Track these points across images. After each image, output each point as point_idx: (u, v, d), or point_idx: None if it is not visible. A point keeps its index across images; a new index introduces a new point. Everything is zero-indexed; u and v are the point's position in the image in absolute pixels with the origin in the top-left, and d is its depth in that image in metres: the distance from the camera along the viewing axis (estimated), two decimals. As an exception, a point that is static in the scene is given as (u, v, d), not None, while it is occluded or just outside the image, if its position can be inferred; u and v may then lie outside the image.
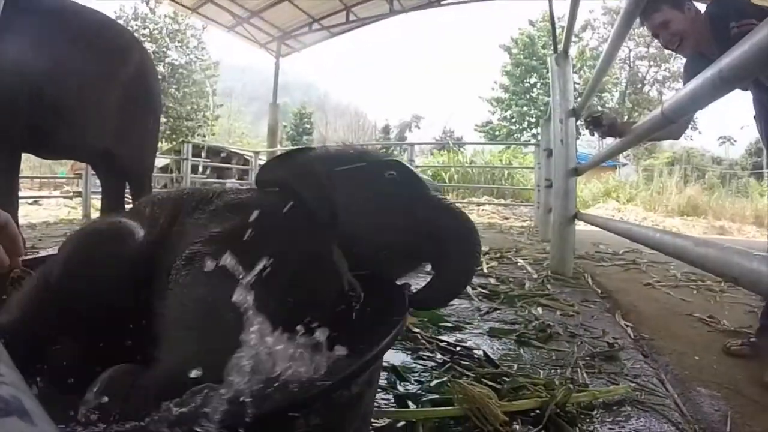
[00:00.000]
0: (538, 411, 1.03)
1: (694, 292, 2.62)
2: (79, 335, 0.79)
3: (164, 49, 20.49)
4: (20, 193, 2.90)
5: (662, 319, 2.00)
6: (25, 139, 2.57)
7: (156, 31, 20.75)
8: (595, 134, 2.33)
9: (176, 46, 21.35)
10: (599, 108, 14.88)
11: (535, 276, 2.70)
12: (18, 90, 2.36)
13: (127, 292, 0.77)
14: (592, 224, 2.68)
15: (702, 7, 1.89)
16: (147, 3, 20.15)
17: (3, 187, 2.44)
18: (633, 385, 1.21)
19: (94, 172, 3.75)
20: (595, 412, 1.07)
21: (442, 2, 8.96)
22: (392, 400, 1.13)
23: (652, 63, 23.90)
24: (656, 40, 2.04)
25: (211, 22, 9.62)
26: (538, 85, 23.40)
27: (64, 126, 2.68)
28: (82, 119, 2.73)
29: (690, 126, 2.66)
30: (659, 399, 1.16)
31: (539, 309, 2.00)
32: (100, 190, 3.68)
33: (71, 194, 7.63)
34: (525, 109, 23.35)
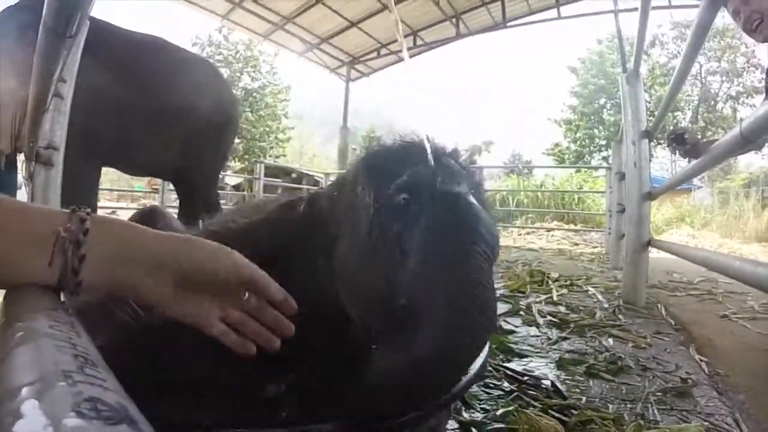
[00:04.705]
0: (606, 447, 1.04)
1: (774, 325, 2.46)
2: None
3: (238, 74, 21.63)
4: (99, 204, 3.21)
5: (739, 354, 1.91)
6: (109, 156, 2.86)
7: (230, 57, 21.99)
8: (676, 153, 2.25)
9: (249, 72, 22.50)
10: (680, 125, 14.07)
11: (606, 305, 2.65)
12: (104, 114, 2.63)
13: None
14: (667, 252, 2.60)
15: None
16: (220, 31, 21.42)
17: (86, 197, 2.70)
18: (706, 424, 1.19)
19: (172, 188, 4.05)
20: (664, 451, 1.05)
21: (509, 24, 8.94)
22: (457, 428, 1.15)
23: (724, 78, 22.25)
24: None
25: (283, 49, 10.07)
26: (608, 105, 22.51)
27: (144, 147, 2.97)
28: (160, 142, 3.01)
29: None
30: (733, 440, 1.13)
31: (610, 340, 1.97)
32: (174, 204, 3.94)
33: (147, 207, 8.10)
34: (595, 131, 22.54)
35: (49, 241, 0.47)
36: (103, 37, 2.56)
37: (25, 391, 0.27)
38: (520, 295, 2.90)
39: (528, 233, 9.39)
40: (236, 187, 11.28)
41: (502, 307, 2.54)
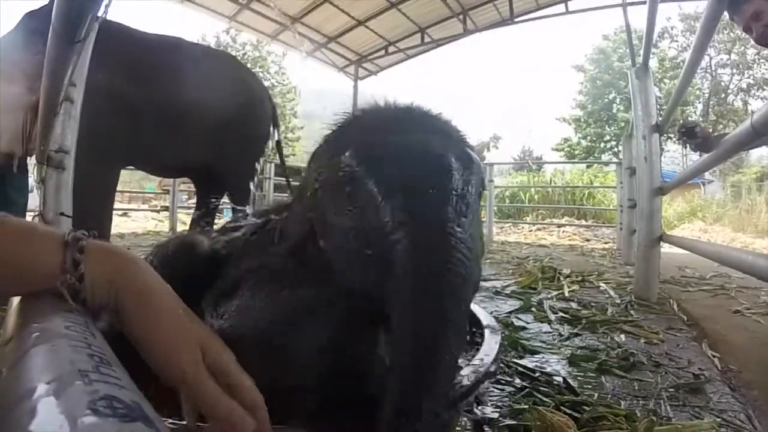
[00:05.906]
0: (618, 443, 1.03)
1: (788, 320, 2.43)
2: None
3: (246, 74, 21.72)
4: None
5: (752, 350, 1.88)
6: (126, 157, 2.87)
7: (238, 58, 22.11)
8: (687, 147, 2.23)
9: (257, 72, 22.61)
10: (691, 119, 13.93)
11: (618, 301, 2.62)
12: (119, 114, 2.63)
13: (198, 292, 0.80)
14: (679, 247, 2.57)
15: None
16: (228, 32, 21.49)
17: (103, 199, 2.71)
18: (719, 420, 1.18)
19: (182, 188, 4.00)
20: (677, 447, 1.04)
21: (516, 20, 8.88)
22: (468, 424, 1.16)
23: (735, 71, 21.83)
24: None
25: (290, 48, 10.07)
26: (618, 100, 22.26)
27: (166, 146, 2.95)
28: (184, 141, 3.00)
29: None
30: (746, 437, 1.11)
31: (622, 336, 1.96)
32: (185, 205, 3.92)
33: (158, 208, 8.21)
34: (605, 129, 22.24)
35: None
36: (119, 40, 2.57)
37: (42, 389, 0.27)
38: (532, 291, 2.90)
39: (539, 229, 9.36)
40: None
41: (513, 304, 2.54)
